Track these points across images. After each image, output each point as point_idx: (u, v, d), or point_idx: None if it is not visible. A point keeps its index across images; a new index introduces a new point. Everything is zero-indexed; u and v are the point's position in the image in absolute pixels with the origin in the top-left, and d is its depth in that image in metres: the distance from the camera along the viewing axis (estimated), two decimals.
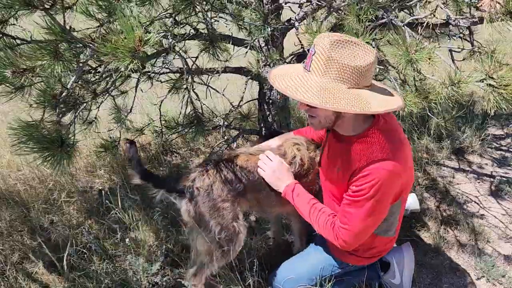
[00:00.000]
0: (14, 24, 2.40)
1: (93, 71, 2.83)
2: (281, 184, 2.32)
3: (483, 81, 2.02)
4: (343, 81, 1.84)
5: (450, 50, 2.59)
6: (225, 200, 2.32)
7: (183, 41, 3.06)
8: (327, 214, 2.18)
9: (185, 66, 2.93)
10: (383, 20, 2.38)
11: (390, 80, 2.60)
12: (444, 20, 2.77)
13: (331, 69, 1.83)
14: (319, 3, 2.80)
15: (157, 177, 2.56)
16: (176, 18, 2.75)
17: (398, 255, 2.54)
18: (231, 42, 3.09)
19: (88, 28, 2.72)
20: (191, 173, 2.41)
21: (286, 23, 3.09)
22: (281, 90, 1.90)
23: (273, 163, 2.35)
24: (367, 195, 1.95)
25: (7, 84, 2.14)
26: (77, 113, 2.64)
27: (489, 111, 2.02)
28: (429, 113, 2.74)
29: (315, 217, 2.20)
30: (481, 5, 2.09)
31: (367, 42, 2.10)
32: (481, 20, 2.28)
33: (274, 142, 2.59)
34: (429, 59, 2.00)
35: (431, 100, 2.23)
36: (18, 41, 2.27)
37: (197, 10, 2.64)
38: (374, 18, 2.33)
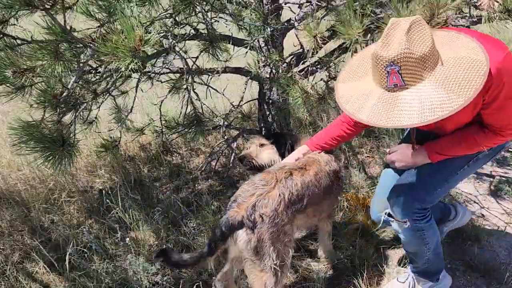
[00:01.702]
0: (14, 24, 2.41)
1: (93, 71, 2.83)
2: (423, 158, 2.21)
3: None
4: (437, 63, 1.66)
5: None
6: (287, 222, 2.18)
7: (183, 41, 3.06)
8: (476, 128, 2.04)
9: (185, 66, 2.94)
10: (381, 15, 2.38)
11: None
12: (443, 20, 2.77)
13: (426, 64, 1.63)
14: (319, 4, 2.80)
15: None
16: (176, 18, 2.75)
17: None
18: (231, 42, 3.10)
19: (88, 28, 2.73)
20: (244, 192, 2.20)
21: (286, 23, 3.10)
22: (405, 124, 1.63)
23: (399, 150, 2.34)
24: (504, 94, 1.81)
25: (8, 84, 2.15)
26: (77, 113, 2.65)
27: None
28: None
29: (470, 140, 2.06)
30: (480, 4, 2.10)
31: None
32: (480, 19, 2.29)
33: (296, 155, 2.57)
34: None
35: None
36: (19, 41, 2.27)
37: (197, 10, 2.64)
38: (372, 14, 2.34)
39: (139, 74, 2.93)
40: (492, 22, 2.05)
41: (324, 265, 2.89)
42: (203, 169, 3.94)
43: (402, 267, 2.86)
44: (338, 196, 2.82)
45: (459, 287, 2.73)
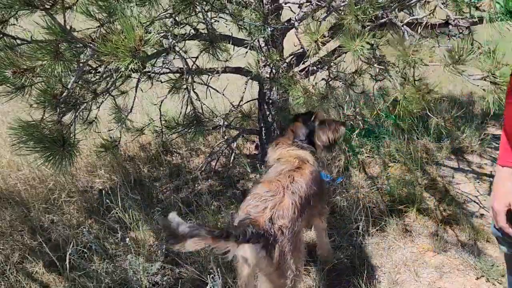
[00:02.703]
0: (14, 24, 2.41)
1: (93, 71, 2.83)
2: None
3: (485, 79, 2.02)
4: None
5: (450, 50, 2.59)
6: (301, 229, 2.11)
7: (183, 41, 3.06)
8: None
9: (185, 66, 2.94)
10: (383, 20, 2.38)
11: (390, 80, 2.61)
12: (443, 20, 2.78)
13: None
14: (319, 3, 2.80)
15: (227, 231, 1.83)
16: (176, 18, 2.75)
17: None
18: (231, 42, 3.10)
19: (88, 28, 2.72)
20: (254, 208, 2.03)
21: (286, 23, 3.10)
22: None
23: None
24: None
25: (8, 84, 2.15)
26: (77, 113, 2.65)
27: (490, 109, 2.02)
28: (429, 113, 2.74)
29: None
30: (481, 5, 2.10)
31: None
32: (480, 20, 2.28)
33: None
34: (429, 59, 2.00)
35: (431, 99, 2.24)
36: (18, 41, 2.27)
37: (197, 10, 2.64)
38: (373, 19, 2.34)
39: (139, 74, 2.93)
40: (493, 23, 2.04)
41: (322, 266, 2.89)
42: (203, 169, 3.94)
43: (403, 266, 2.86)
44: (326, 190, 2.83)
45: (460, 287, 2.73)
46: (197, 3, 2.55)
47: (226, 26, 3.01)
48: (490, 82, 2.00)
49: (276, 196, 2.07)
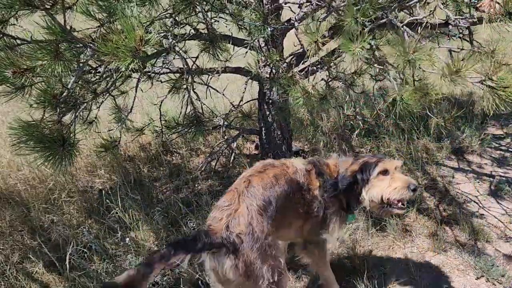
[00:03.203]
0: (14, 24, 2.41)
1: (93, 71, 2.83)
2: None
3: (482, 83, 2.02)
4: None
5: (450, 50, 2.59)
6: (267, 234, 1.98)
7: (183, 41, 3.06)
8: None
9: (185, 66, 2.94)
10: (383, 20, 2.38)
11: (389, 80, 2.61)
12: (443, 20, 2.77)
13: None
14: (319, 3, 2.80)
15: (176, 243, 1.87)
16: (176, 18, 2.75)
17: None
18: (231, 42, 3.10)
19: (88, 28, 2.73)
20: (214, 219, 2.00)
21: (286, 23, 3.10)
22: None
23: None
24: None
25: (8, 84, 2.15)
26: (77, 113, 2.65)
27: (487, 112, 2.02)
28: (429, 113, 2.74)
29: None
30: (481, 5, 2.10)
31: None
32: (480, 20, 2.28)
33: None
34: (429, 58, 2.00)
35: (430, 99, 2.24)
36: (18, 41, 2.27)
37: (197, 10, 2.64)
38: (373, 19, 2.34)
39: (139, 74, 2.93)
40: (493, 23, 2.05)
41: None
42: (203, 169, 3.94)
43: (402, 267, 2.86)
44: (321, 223, 2.36)
45: (460, 287, 2.73)
46: (197, 3, 2.55)
47: (226, 26, 3.01)
48: (487, 86, 2.00)
49: (232, 204, 2.02)
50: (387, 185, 2.20)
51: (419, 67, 2.14)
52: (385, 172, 2.23)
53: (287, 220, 2.24)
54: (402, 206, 2.24)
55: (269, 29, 2.77)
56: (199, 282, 2.62)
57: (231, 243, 1.88)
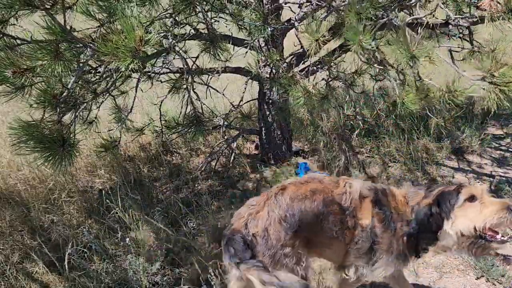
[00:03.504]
0: (14, 24, 2.40)
1: (93, 71, 2.83)
2: None
3: (484, 80, 2.03)
4: None
5: (450, 50, 2.59)
6: (285, 244, 1.94)
7: (183, 41, 3.06)
8: None
9: (185, 66, 2.94)
10: (383, 20, 2.38)
11: (389, 80, 2.61)
12: (444, 20, 2.78)
13: None
14: (319, 3, 2.80)
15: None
16: (176, 18, 2.75)
17: None
18: (231, 42, 3.10)
19: (88, 28, 2.72)
20: (237, 215, 2.05)
21: (286, 23, 3.10)
22: None
23: None
24: None
25: (8, 84, 2.14)
26: (77, 113, 2.65)
27: (491, 109, 2.03)
28: (429, 113, 2.75)
29: None
30: (481, 4, 2.10)
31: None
32: (481, 19, 2.28)
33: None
34: (429, 57, 2.00)
35: (431, 99, 2.24)
36: (18, 41, 2.27)
37: (197, 10, 2.64)
38: (374, 18, 2.34)
39: (139, 74, 2.93)
40: (495, 22, 2.04)
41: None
42: (203, 169, 3.94)
43: None
44: (365, 255, 2.10)
45: (460, 287, 2.73)
46: (197, 3, 2.55)
47: (226, 26, 3.01)
48: (489, 82, 2.00)
49: (257, 206, 2.04)
50: (478, 211, 1.87)
51: (419, 76, 2.15)
52: (472, 198, 1.91)
53: (318, 239, 2.10)
54: (503, 238, 1.89)
55: (269, 29, 2.77)
56: (200, 282, 2.62)
57: (248, 242, 1.92)
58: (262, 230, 1.94)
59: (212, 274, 2.41)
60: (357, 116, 3.72)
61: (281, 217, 1.98)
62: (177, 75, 3.45)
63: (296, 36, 3.05)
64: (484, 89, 2.06)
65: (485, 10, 2.02)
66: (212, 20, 2.93)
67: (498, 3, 1.96)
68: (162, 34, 2.60)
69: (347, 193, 2.07)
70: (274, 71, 3.19)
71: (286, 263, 1.94)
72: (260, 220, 1.96)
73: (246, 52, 3.23)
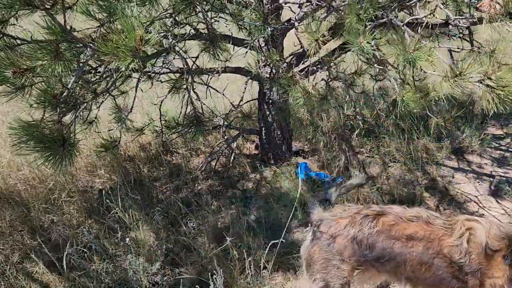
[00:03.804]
0: (14, 24, 2.40)
1: (93, 71, 2.83)
2: None
3: (481, 82, 2.02)
4: None
5: (450, 50, 2.59)
6: (344, 261, 1.96)
7: (183, 41, 3.06)
8: None
9: (185, 66, 2.94)
10: (383, 20, 2.38)
11: (389, 80, 2.61)
12: (443, 20, 2.78)
13: None
14: (319, 3, 2.80)
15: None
16: (176, 18, 2.75)
17: None
18: (231, 42, 3.10)
19: (88, 28, 2.72)
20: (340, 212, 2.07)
21: (286, 23, 3.10)
22: None
23: None
24: None
25: (8, 84, 2.14)
26: (77, 113, 2.65)
27: (487, 112, 2.03)
28: (429, 113, 2.74)
29: None
30: (481, 5, 2.10)
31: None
32: (480, 20, 2.28)
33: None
34: (428, 58, 2.00)
35: (431, 100, 2.24)
36: (18, 41, 2.27)
37: (197, 10, 2.64)
38: (374, 18, 2.34)
39: (139, 74, 2.93)
40: (493, 23, 2.04)
41: None
42: (203, 169, 3.94)
43: None
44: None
45: None
46: (197, 3, 2.55)
47: (226, 26, 3.01)
48: (486, 85, 1.99)
49: (343, 212, 2.04)
50: None
51: (420, 69, 2.14)
52: None
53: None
54: None
55: (269, 29, 2.77)
56: (200, 282, 2.63)
57: (313, 232, 2.03)
58: (330, 235, 1.97)
59: (216, 270, 2.41)
60: (357, 116, 3.72)
61: (356, 239, 1.91)
62: (177, 75, 3.45)
63: (296, 36, 3.05)
64: (481, 90, 2.05)
65: (484, 11, 2.02)
66: (212, 20, 2.93)
67: (498, 3, 1.96)
68: (162, 34, 2.60)
69: (464, 245, 1.72)
70: (274, 71, 3.19)
71: (331, 276, 1.94)
72: (336, 225, 1.98)
73: (246, 52, 3.22)
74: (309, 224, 2.16)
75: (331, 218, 2.02)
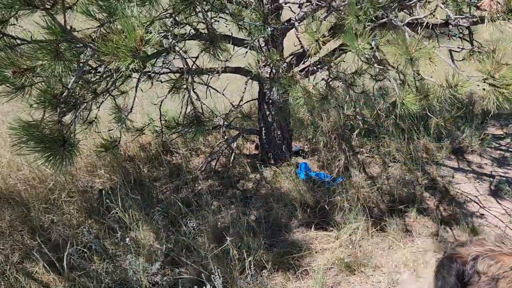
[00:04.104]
0: (14, 24, 2.40)
1: (93, 71, 2.83)
2: None
3: (484, 81, 2.02)
4: None
5: (450, 50, 2.59)
6: None
7: (183, 41, 3.06)
8: None
9: (185, 66, 2.94)
10: (383, 20, 2.38)
11: (389, 80, 2.61)
12: (443, 20, 2.78)
13: None
14: (319, 3, 2.80)
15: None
16: (176, 18, 2.75)
17: None
18: (231, 42, 3.10)
19: (88, 28, 2.72)
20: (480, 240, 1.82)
21: (286, 23, 3.10)
22: None
23: None
24: None
25: (8, 84, 2.14)
26: (77, 113, 2.65)
27: (490, 110, 2.03)
28: (428, 113, 2.75)
29: None
30: (481, 4, 2.10)
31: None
32: (481, 19, 2.28)
33: None
34: (429, 58, 2.00)
35: (431, 100, 2.24)
36: (18, 41, 2.27)
37: (197, 10, 2.64)
38: (374, 18, 2.34)
39: (139, 74, 2.93)
40: (495, 22, 2.04)
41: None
42: (203, 169, 3.94)
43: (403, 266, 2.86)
44: None
45: None
46: (197, 3, 2.55)
47: (226, 26, 3.01)
48: (489, 84, 1.99)
49: (504, 247, 1.75)
50: None
51: (417, 73, 2.15)
52: None
53: None
54: None
55: (269, 29, 2.77)
56: (200, 282, 2.62)
57: (465, 275, 1.73)
58: (491, 276, 1.67)
59: (214, 270, 2.41)
60: (357, 116, 3.72)
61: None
62: (177, 75, 3.45)
63: (296, 36, 3.05)
64: (484, 89, 2.05)
65: (485, 10, 2.01)
66: (212, 20, 2.93)
67: (498, 3, 1.96)
68: (162, 34, 2.60)
69: None
70: (274, 71, 3.19)
71: None
72: (499, 264, 1.68)
73: (246, 52, 3.22)
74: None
75: (489, 254, 1.70)
